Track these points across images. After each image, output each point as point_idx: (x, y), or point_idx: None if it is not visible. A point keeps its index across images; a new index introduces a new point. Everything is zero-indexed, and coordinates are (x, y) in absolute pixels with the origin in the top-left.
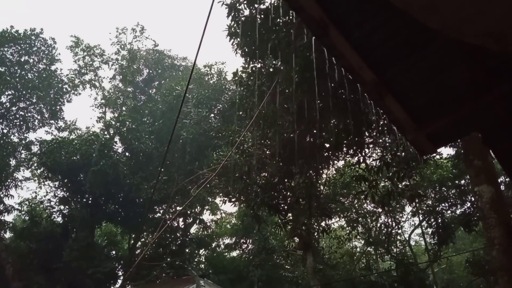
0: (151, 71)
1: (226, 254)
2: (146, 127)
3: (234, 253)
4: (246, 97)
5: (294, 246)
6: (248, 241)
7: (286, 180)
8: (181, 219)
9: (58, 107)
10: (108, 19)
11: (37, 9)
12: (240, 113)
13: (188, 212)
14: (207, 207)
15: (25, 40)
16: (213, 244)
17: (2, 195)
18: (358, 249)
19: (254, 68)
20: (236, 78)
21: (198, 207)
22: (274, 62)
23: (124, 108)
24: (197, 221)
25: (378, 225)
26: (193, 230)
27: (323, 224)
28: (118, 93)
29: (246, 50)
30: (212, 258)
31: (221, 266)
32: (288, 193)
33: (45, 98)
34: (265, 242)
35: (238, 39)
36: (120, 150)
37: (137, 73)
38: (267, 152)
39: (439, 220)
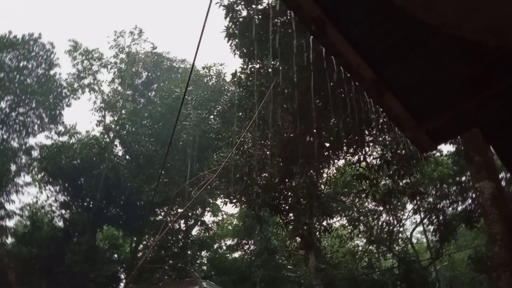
0: (150, 74)
1: (228, 255)
2: (145, 129)
3: (236, 254)
4: (245, 98)
5: (296, 246)
6: (249, 242)
7: (286, 180)
8: (182, 221)
9: (57, 111)
10: (106, 22)
11: (35, 14)
12: (240, 114)
13: (190, 214)
14: (208, 208)
15: (24, 45)
16: (215, 246)
17: (3, 201)
18: (360, 248)
19: (252, 69)
20: (235, 79)
21: (200, 209)
22: (272, 62)
23: (123, 111)
24: (199, 223)
25: (380, 223)
26: (194, 232)
27: (324, 223)
28: (117, 96)
29: (245, 51)
30: (214, 260)
31: (223, 268)
32: (289, 193)
33: (44, 103)
34: (266, 243)
35: (237, 40)
36: (120, 154)
37: (136, 76)
38: (267, 152)
39: (441, 217)
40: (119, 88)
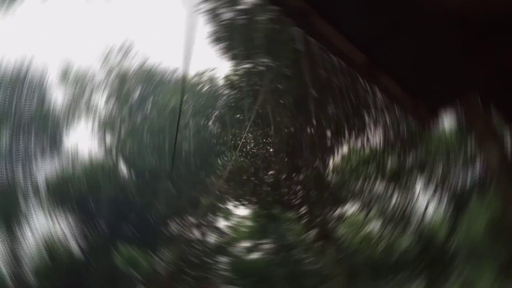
0: (143, 88)
1: (246, 257)
2: (147, 145)
3: (255, 255)
4: (241, 98)
5: (312, 239)
6: (265, 241)
7: (294, 175)
8: (196, 230)
9: (57, 138)
10: (97, 37)
11: (28, 33)
12: (238, 115)
13: (202, 221)
14: (220, 214)
15: (16, 74)
16: (232, 250)
17: (17, 235)
18: (375, 232)
19: (244, 69)
20: (228, 82)
21: (212, 216)
22: (263, 60)
23: (122, 130)
24: (213, 230)
25: (392, 204)
26: (209, 239)
27: (337, 212)
28: (114, 115)
29: (235, 53)
30: (233, 264)
31: (243, 271)
32: (298, 187)
33: (44, 131)
34: (282, 240)
35: (226, 42)
36: (125, 171)
37: (130, 93)
38: (271, 150)
39: (452, 190)
40: (115, 107)
